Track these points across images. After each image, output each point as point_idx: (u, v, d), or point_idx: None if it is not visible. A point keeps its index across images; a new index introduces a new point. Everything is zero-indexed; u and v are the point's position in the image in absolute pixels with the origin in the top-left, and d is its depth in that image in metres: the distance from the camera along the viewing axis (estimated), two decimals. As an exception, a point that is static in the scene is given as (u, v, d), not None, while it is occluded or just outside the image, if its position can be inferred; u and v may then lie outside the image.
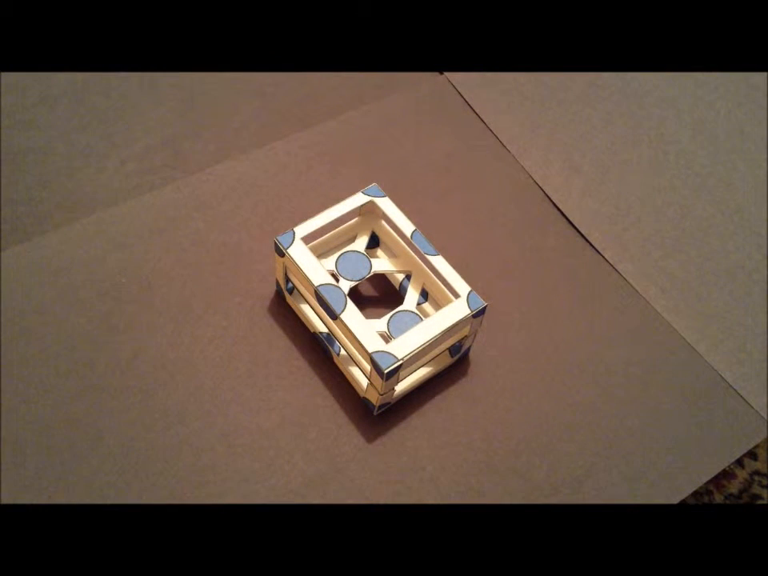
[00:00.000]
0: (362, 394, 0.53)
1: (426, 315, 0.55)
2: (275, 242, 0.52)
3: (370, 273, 0.54)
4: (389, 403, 0.52)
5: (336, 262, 0.55)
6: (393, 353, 0.48)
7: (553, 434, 0.53)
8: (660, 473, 0.52)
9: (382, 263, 0.56)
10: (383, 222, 0.56)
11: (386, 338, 0.52)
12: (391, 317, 0.53)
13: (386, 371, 0.47)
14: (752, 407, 0.55)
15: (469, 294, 0.51)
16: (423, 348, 0.48)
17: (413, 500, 0.50)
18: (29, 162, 0.61)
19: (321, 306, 0.51)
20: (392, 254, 0.57)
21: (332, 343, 0.54)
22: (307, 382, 0.54)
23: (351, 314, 0.49)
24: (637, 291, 0.60)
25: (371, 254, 0.57)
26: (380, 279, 0.59)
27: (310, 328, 0.55)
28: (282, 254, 0.52)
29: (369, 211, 0.56)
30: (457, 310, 0.50)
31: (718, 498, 0.54)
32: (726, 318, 0.59)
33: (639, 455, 0.53)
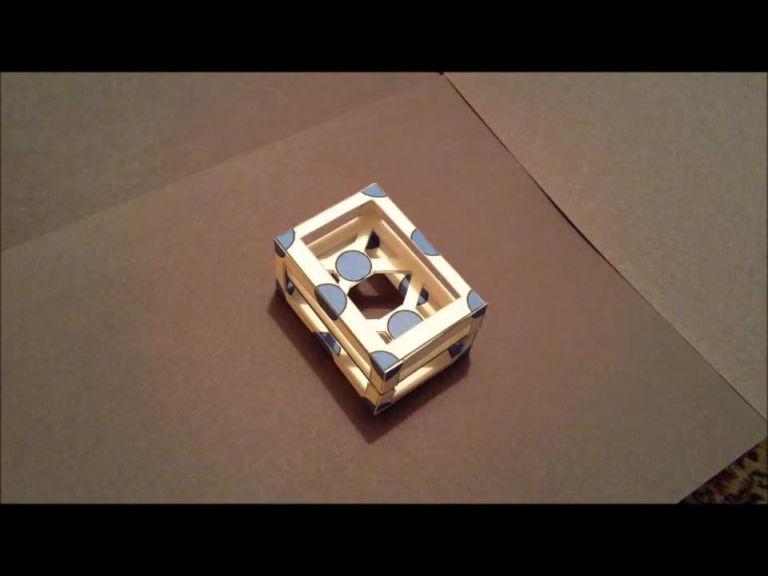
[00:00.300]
0: (362, 394, 0.53)
1: (426, 315, 0.55)
2: (275, 242, 0.52)
3: (369, 273, 0.54)
4: (389, 403, 0.52)
5: (336, 262, 0.55)
6: (393, 353, 0.48)
7: (553, 434, 0.53)
8: (660, 473, 0.52)
9: (381, 263, 0.56)
10: (383, 222, 0.56)
11: (386, 338, 0.52)
12: (391, 317, 0.53)
13: (386, 371, 0.47)
14: (752, 407, 0.55)
15: (469, 294, 0.51)
16: (423, 348, 0.48)
17: (413, 500, 0.50)
18: (29, 162, 0.61)
19: (321, 306, 0.51)
20: (392, 254, 0.57)
21: (332, 343, 0.54)
22: (307, 382, 0.54)
23: (351, 314, 0.49)
24: (637, 291, 0.60)
25: (371, 254, 0.57)
26: (380, 279, 0.59)
27: (310, 328, 0.55)
28: (282, 253, 0.52)
29: (369, 211, 0.56)
30: (457, 310, 0.50)
31: (718, 498, 0.54)
32: (726, 318, 0.59)
33: (639, 455, 0.53)
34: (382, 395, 0.50)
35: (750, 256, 0.62)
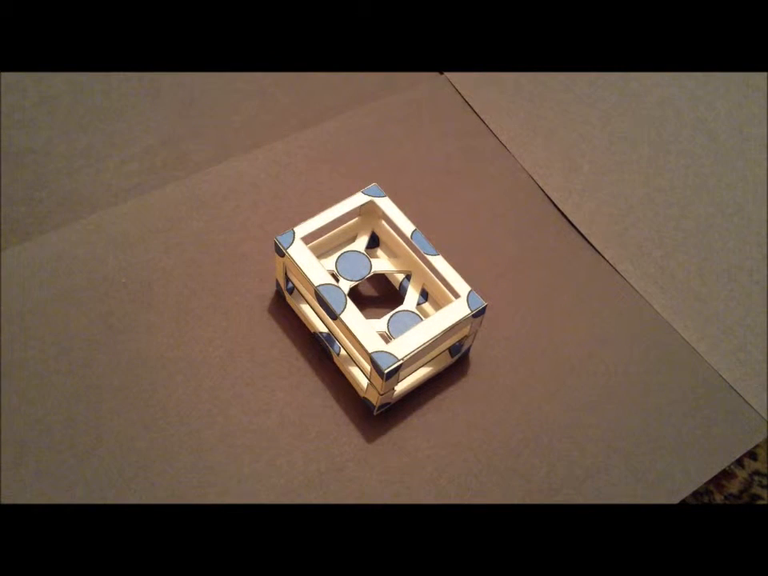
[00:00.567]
0: (362, 394, 0.53)
1: (426, 315, 0.55)
2: (275, 242, 0.52)
3: (369, 273, 0.54)
4: (389, 403, 0.52)
5: (336, 262, 0.55)
6: (393, 353, 0.48)
7: (553, 434, 0.53)
8: (660, 473, 0.52)
9: (381, 263, 0.56)
10: (383, 222, 0.56)
11: (386, 338, 0.52)
12: (391, 317, 0.53)
13: (386, 371, 0.47)
14: (752, 407, 0.55)
15: (469, 294, 0.51)
16: (423, 348, 0.48)
17: (413, 500, 0.50)
18: (29, 162, 0.61)
19: (321, 305, 0.51)
20: (392, 254, 0.57)
21: (332, 343, 0.54)
22: (307, 382, 0.54)
23: (351, 314, 0.49)
24: (637, 291, 0.60)
25: (371, 254, 0.57)
26: (380, 279, 0.59)
27: (310, 328, 0.55)
28: (282, 253, 0.52)
29: (369, 211, 0.56)
30: (457, 310, 0.50)
31: (718, 498, 0.54)
32: (726, 318, 0.59)
33: (639, 455, 0.53)
34: (381, 395, 0.50)
35: (749, 256, 0.62)
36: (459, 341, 0.53)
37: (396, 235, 0.56)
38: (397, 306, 0.55)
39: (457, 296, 0.51)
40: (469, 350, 0.55)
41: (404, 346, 0.48)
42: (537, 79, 0.71)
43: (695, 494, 0.53)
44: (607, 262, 0.62)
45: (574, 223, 0.63)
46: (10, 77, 0.65)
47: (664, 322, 0.59)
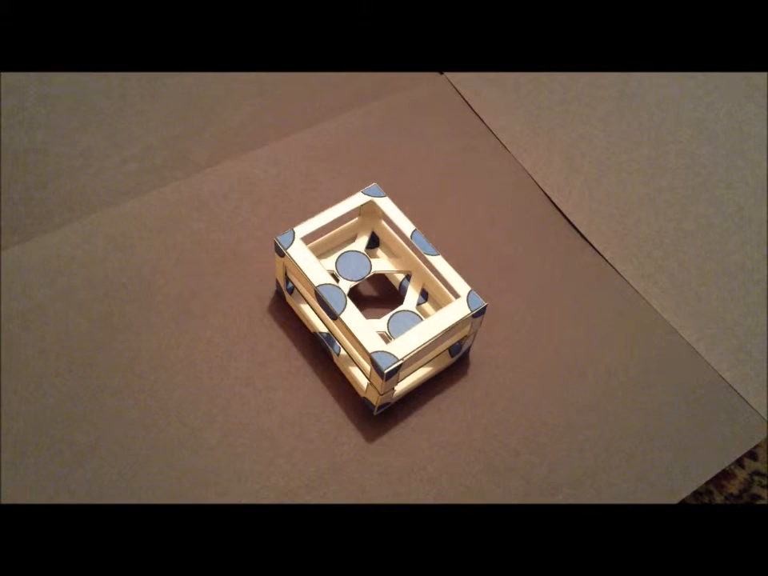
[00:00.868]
0: (362, 394, 0.53)
1: (426, 315, 0.55)
2: (275, 242, 0.52)
3: (369, 273, 0.54)
4: (389, 403, 0.52)
5: (336, 262, 0.55)
6: (393, 353, 0.48)
7: (553, 434, 0.53)
8: (660, 473, 0.52)
9: (381, 263, 0.56)
10: (383, 222, 0.56)
11: (386, 338, 0.52)
12: (391, 317, 0.53)
13: (385, 371, 0.47)
14: (752, 407, 0.55)
15: (469, 294, 0.51)
16: (423, 348, 0.48)
17: (413, 500, 0.50)
18: (29, 162, 0.61)
19: (321, 306, 0.51)
20: (392, 254, 0.57)
21: (332, 343, 0.54)
22: (307, 381, 0.54)
23: (351, 314, 0.49)
24: (637, 291, 0.60)
25: (371, 254, 0.57)
26: (380, 279, 0.59)
27: (310, 328, 0.55)
28: (282, 254, 0.52)
29: (369, 211, 0.56)
30: (457, 310, 0.50)
31: (718, 498, 0.54)
32: (726, 318, 0.59)
33: (639, 455, 0.53)
34: (381, 395, 0.50)
35: (750, 256, 0.62)
36: (459, 341, 0.53)
37: (396, 235, 0.56)
38: (397, 306, 0.55)
39: (457, 296, 0.51)
40: (469, 350, 0.55)
41: (404, 346, 0.48)
42: (537, 79, 0.71)
43: (695, 493, 0.53)
44: (607, 262, 0.62)
45: (574, 223, 0.63)
46: (9, 77, 0.65)
47: (664, 322, 0.59)
